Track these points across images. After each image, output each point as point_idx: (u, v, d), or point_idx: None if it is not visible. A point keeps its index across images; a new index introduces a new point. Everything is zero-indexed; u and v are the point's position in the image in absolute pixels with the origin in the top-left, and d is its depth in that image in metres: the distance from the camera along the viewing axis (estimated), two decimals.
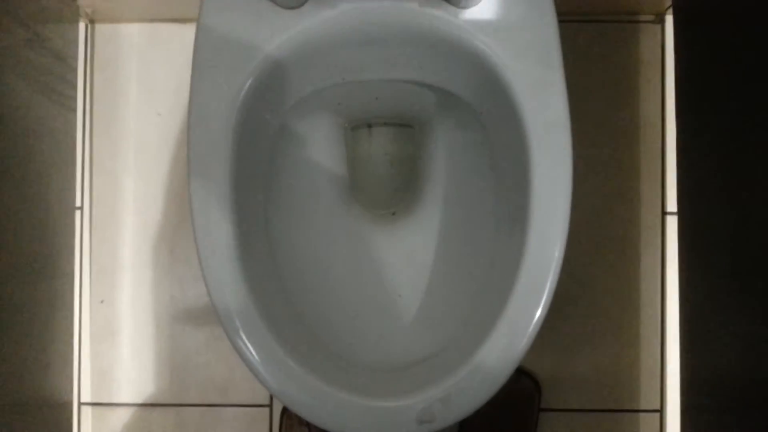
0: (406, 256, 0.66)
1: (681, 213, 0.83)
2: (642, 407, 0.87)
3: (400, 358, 0.59)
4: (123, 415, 0.88)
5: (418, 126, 0.69)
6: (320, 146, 0.69)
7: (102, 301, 0.88)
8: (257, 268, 0.55)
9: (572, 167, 0.53)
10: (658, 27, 0.90)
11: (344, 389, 0.51)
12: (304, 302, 0.61)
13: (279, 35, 0.53)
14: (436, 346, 0.58)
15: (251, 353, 0.52)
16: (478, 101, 0.60)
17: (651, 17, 0.90)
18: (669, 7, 0.86)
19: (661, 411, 0.87)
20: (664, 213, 0.88)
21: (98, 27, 0.90)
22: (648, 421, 0.87)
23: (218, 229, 0.53)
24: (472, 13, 0.53)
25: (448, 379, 0.51)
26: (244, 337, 0.52)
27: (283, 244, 0.63)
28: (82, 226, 0.88)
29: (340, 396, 0.51)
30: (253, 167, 0.59)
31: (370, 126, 0.70)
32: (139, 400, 0.88)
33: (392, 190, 0.69)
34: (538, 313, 0.52)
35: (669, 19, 0.88)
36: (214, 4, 0.54)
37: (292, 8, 0.52)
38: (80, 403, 0.87)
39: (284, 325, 0.55)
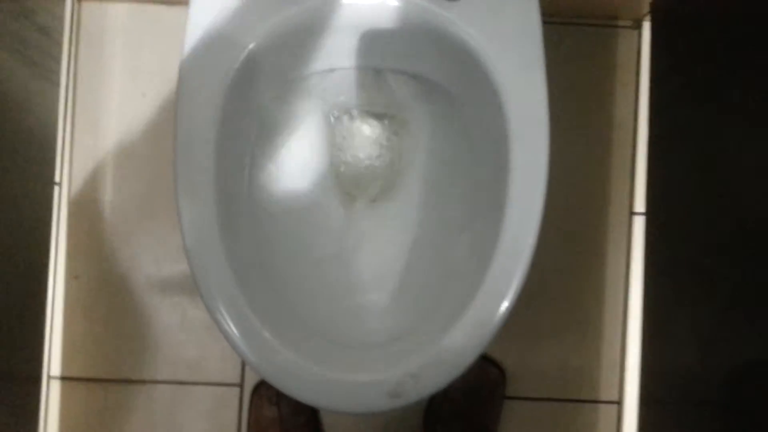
0: (385, 240, 0.68)
1: (648, 213, 0.85)
2: (601, 398, 0.90)
3: (374, 337, 0.61)
4: (92, 390, 0.88)
5: (401, 115, 0.71)
6: (304, 131, 0.70)
7: (77, 277, 0.88)
8: (239, 246, 0.56)
9: (548, 159, 0.55)
10: (635, 33, 0.92)
11: (318, 363, 0.53)
12: (284, 280, 0.62)
13: (269, 19, 0.54)
14: (410, 325, 0.59)
15: (230, 326, 0.53)
16: (462, 92, 0.61)
17: (629, 23, 0.92)
18: (647, 14, 0.89)
19: (619, 403, 0.90)
20: (631, 213, 0.91)
21: (85, 5, 0.89)
22: (606, 411, 0.90)
23: (202, 206, 0.54)
24: (460, 6, 0.54)
25: (419, 357, 0.53)
26: (223, 311, 0.53)
27: (265, 224, 0.65)
28: (59, 202, 0.88)
29: (314, 369, 0.52)
30: (238, 149, 0.61)
31: (353, 114, 0.72)
32: (109, 376, 0.88)
33: (373, 178, 0.71)
34: (508, 300, 0.54)
35: (646, 26, 0.91)
36: None
37: None
38: (49, 377, 0.87)
39: (263, 300, 0.56)
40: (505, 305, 0.54)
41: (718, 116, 0.67)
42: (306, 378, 0.52)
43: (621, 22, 0.92)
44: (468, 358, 0.54)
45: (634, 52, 0.92)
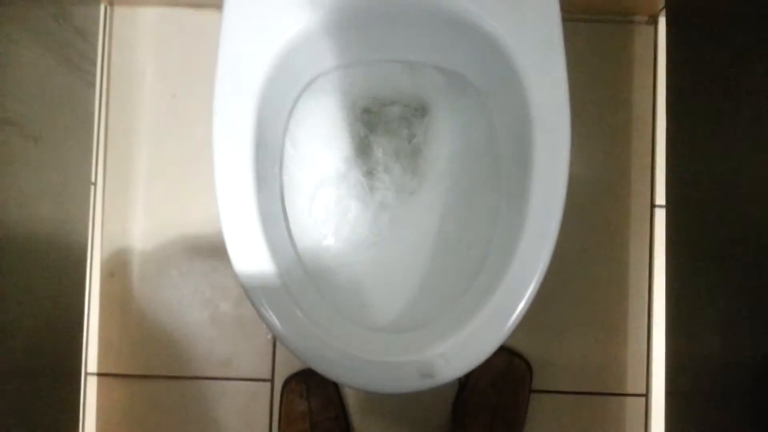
0: (413, 229, 0.70)
1: (669, 205, 0.86)
2: (628, 391, 0.90)
3: (404, 322, 0.62)
4: (127, 386, 0.90)
5: (425, 109, 0.73)
6: (332, 123, 0.72)
7: (112, 275, 0.91)
8: (275, 238, 0.58)
9: (571, 145, 0.56)
10: (651, 28, 0.93)
11: (352, 345, 0.55)
12: (318, 271, 0.64)
13: (302, 11, 0.56)
14: (439, 311, 0.61)
15: (272, 316, 0.54)
16: (485, 83, 0.63)
17: (645, 18, 0.94)
18: (662, 9, 0.90)
19: (646, 395, 0.91)
20: (653, 206, 0.92)
21: (117, 9, 0.92)
22: (634, 404, 0.91)
23: (242, 201, 0.55)
24: None
25: (449, 339, 0.54)
26: (263, 300, 0.55)
27: (297, 218, 0.66)
28: (94, 201, 0.90)
29: (349, 351, 0.54)
30: (272, 141, 0.62)
31: (378, 108, 0.74)
32: (145, 372, 0.90)
33: (399, 169, 0.72)
34: (534, 283, 0.55)
35: (662, 21, 0.92)
36: None
37: None
38: (86, 374, 0.90)
39: (300, 290, 0.58)
40: (530, 289, 0.55)
41: (735, 108, 0.68)
42: (341, 359, 0.54)
43: (637, 18, 0.94)
44: (496, 339, 0.55)
45: (650, 47, 0.93)
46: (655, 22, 0.93)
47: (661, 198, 0.91)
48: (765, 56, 0.63)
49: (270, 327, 0.55)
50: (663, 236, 0.89)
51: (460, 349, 0.54)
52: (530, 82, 0.56)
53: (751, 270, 0.64)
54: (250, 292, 0.55)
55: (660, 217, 0.91)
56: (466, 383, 0.88)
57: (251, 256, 0.55)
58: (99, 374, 0.90)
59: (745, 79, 0.66)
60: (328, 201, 0.70)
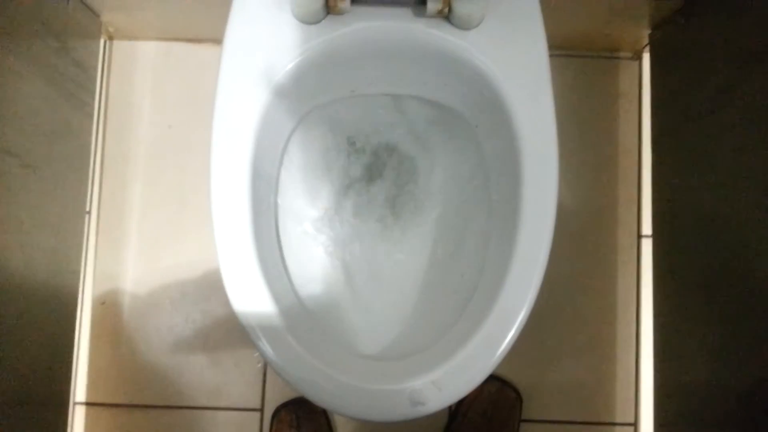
0: (404, 258, 0.70)
1: (655, 235, 0.87)
2: (617, 420, 0.91)
3: (396, 350, 0.62)
4: (115, 416, 0.89)
5: (416, 142, 0.74)
6: (323, 158, 0.73)
7: (103, 303, 0.91)
8: (270, 267, 0.58)
9: (558, 175, 0.58)
10: (635, 63, 0.97)
11: (344, 373, 0.55)
12: (310, 299, 0.64)
13: (298, 47, 0.57)
14: (430, 340, 0.61)
15: (266, 344, 0.55)
16: (475, 115, 0.64)
17: (629, 54, 0.97)
18: (646, 46, 0.93)
19: (635, 424, 0.91)
20: (639, 235, 0.94)
21: (116, 43, 0.94)
22: None
23: (237, 232, 0.56)
24: (473, 34, 0.58)
25: (441, 367, 0.55)
26: (259, 332, 0.55)
27: (289, 247, 0.67)
28: (88, 231, 0.91)
29: (341, 378, 0.54)
30: (266, 173, 0.63)
31: (371, 142, 0.75)
32: (133, 402, 0.90)
33: (389, 204, 0.74)
34: (524, 310, 0.56)
35: (646, 57, 0.95)
36: (240, 17, 0.58)
37: (311, 23, 0.57)
38: (74, 403, 0.89)
39: (293, 318, 0.58)
40: (520, 316, 0.56)
41: (716, 141, 0.70)
42: (333, 387, 0.54)
43: (622, 54, 0.97)
44: (487, 366, 0.55)
45: (635, 81, 0.96)
46: (639, 58, 0.96)
47: (647, 228, 0.93)
48: (743, 93, 0.65)
49: (263, 355, 0.55)
50: (650, 265, 0.90)
51: (452, 377, 0.54)
52: (518, 114, 0.57)
53: (735, 297, 0.66)
54: (244, 319, 0.55)
55: (647, 246, 0.93)
56: (457, 412, 0.89)
57: (246, 285, 0.55)
58: (87, 403, 0.89)
59: (725, 114, 0.68)
60: (320, 229, 0.71)
